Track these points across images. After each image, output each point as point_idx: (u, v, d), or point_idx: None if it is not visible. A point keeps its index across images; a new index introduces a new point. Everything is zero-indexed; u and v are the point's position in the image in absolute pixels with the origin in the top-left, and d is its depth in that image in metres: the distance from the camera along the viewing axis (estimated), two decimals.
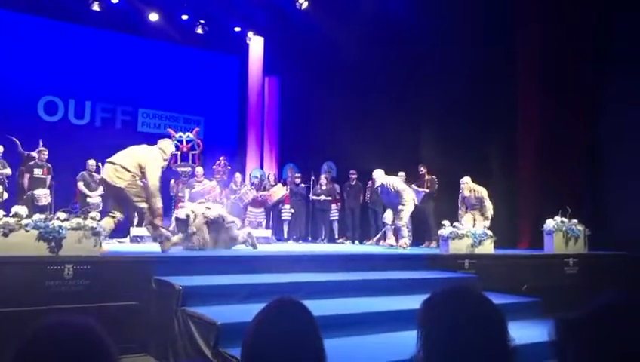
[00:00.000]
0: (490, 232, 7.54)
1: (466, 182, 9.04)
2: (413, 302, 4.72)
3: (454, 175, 9.21)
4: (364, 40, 11.04)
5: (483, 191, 8.88)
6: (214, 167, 10.85)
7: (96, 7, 10.74)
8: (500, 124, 9.85)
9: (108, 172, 5.97)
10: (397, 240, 8.84)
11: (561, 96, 9.28)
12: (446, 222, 7.50)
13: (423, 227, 9.93)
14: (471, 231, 7.41)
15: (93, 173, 9.14)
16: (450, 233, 7.27)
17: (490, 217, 8.73)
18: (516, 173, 9.85)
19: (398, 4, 10.25)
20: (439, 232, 7.56)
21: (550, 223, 7.98)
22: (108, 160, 6.09)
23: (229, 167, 11.12)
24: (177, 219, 6.97)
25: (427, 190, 9.77)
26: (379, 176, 9.05)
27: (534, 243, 8.81)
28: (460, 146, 9.84)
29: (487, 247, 7.46)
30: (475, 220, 8.83)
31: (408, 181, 10.13)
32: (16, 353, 1.02)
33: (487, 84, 9.80)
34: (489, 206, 8.76)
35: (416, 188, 9.74)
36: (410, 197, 8.77)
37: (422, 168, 10.03)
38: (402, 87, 10.74)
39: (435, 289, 1.56)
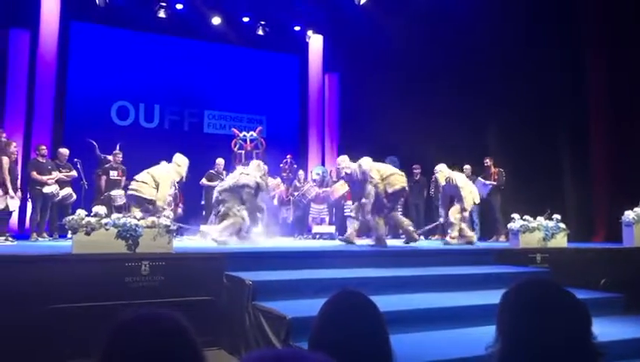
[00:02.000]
0: (563, 225, 7.24)
1: (441, 170, 8.52)
2: (484, 298, 4.63)
3: (523, 167, 8.89)
4: (424, 33, 10.87)
5: (459, 179, 8.25)
6: (281, 165, 11.05)
7: (162, 14, 11.18)
8: (570, 112, 9.43)
9: (403, 179, 7.50)
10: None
11: (633, 79, 8.76)
12: (516, 215, 7.27)
13: (490, 221, 9.66)
14: (542, 225, 7.15)
15: None
16: (521, 226, 7.04)
17: (468, 208, 8.19)
18: (589, 163, 9.37)
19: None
20: (509, 226, 7.35)
21: (630, 214, 7.54)
22: (399, 172, 7.60)
23: (295, 165, 11.31)
24: None
25: (494, 183, 9.49)
26: (344, 162, 8.10)
27: (611, 235, 8.37)
28: (528, 137, 9.50)
29: (560, 241, 7.17)
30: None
31: (474, 174, 9.89)
32: (108, 343, 1.07)
33: (553, 71, 9.43)
34: (465, 195, 8.15)
35: (483, 180, 9.50)
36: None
37: (488, 160, 9.74)
38: (465, 79, 10.49)
39: (507, 285, 1.53)
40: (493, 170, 9.62)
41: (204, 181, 9.86)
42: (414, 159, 10.77)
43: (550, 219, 7.31)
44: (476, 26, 10.09)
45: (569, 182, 9.47)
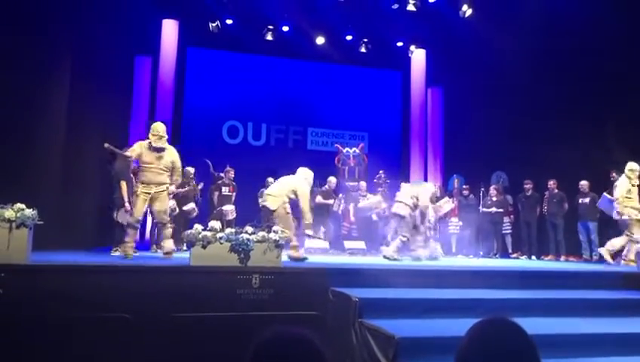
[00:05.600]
0: None
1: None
2: (610, 326, 4.25)
3: None
4: (530, 45, 10.36)
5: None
6: (375, 180, 10.94)
7: (269, 36, 11.68)
8: None
9: None
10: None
11: None
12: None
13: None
14: None
15: None
16: None
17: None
18: None
19: (569, 11, 9.48)
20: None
21: None
22: None
23: (388, 181, 11.08)
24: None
25: None
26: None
27: None
28: None
29: None
30: None
31: (593, 190, 9.13)
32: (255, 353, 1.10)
33: None
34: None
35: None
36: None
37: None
38: (579, 84, 9.85)
39: (636, 312, 1.39)
40: None
41: (319, 199, 9.82)
42: (525, 175, 10.23)
43: None
44: (589, 30, 9.45)
45: None
